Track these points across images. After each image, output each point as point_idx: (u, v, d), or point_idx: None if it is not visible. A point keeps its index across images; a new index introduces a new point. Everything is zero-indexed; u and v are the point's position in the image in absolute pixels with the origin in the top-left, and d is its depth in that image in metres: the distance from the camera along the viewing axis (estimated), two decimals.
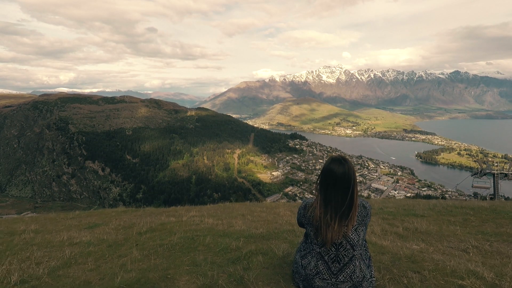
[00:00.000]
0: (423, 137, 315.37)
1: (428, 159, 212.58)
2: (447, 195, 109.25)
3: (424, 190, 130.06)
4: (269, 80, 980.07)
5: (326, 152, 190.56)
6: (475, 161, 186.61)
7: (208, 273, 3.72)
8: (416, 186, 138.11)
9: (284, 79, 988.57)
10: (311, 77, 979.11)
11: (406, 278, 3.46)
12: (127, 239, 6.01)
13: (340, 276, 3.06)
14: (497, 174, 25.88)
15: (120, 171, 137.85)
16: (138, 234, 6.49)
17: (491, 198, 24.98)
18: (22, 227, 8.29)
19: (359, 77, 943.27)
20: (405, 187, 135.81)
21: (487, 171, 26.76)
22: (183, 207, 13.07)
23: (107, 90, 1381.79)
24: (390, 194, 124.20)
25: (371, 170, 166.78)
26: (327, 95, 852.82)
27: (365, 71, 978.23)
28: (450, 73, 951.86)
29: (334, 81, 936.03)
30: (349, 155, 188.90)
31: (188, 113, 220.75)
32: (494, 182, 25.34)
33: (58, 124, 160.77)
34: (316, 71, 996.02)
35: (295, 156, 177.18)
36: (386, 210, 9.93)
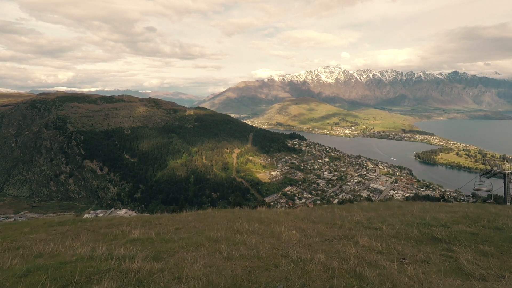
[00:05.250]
0: (422, 137, 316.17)
1: (427, 159, 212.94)
2: (446, 196, 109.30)
3: (423, 190, 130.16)
4: (268, 80, 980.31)
5: (325, 152, 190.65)
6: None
7: None
8: (415, 186, 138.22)
9: (283, 79, 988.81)
10: (310, 77, 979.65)
11: None
12: None
13: None
14: (508, 174, 24.26)
15: (118, 171, 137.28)
16: None
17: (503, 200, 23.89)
18: None
19: (358, 77, 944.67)
20: (403, 187, 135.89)
21: (498, 171, 25.51)
22: (137, 216, 10.95)
23: (106, 89, 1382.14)
24: (389, 194, 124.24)
25: (370, 170, 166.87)
26: (326, 95, 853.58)
27: (364, 71, 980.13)
28: (448, 74, 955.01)
29: (333, 81, 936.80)
30: (348, 155, 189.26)
31: (187, 113, 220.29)
32: (505, 183, 24.05)
33: (56, 123, 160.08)
34: (315, 71, 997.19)
35: (294, 156, 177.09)
36: (462, 230, 7.09)
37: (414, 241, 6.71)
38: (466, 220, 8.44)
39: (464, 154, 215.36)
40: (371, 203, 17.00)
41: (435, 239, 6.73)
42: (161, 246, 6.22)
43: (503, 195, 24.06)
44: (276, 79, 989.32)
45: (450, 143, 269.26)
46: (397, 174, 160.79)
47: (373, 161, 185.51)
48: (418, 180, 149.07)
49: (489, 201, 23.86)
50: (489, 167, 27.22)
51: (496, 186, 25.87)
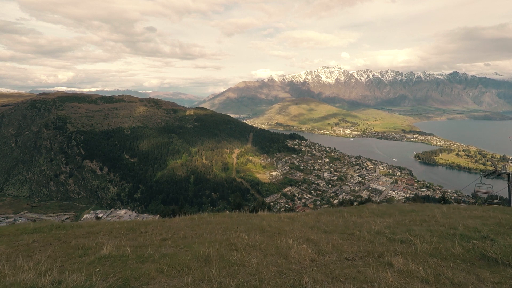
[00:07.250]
0: (422, 137, 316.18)
1: (427, 159, 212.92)
2: (446, 196, 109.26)
3: (423, 191, 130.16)
4: (268, 80, 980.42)
5: (325, 152, 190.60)
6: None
7: None
8: (415, 187, 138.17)
9: (283, 79, 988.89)
10: (310, 77, 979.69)
11: None
12: None
13: None
14: None
15: (118, 171, 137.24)
16: None
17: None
18: None
19: (358, 78, 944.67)
20: (403, 188, 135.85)
21: (502, 171, 24.96)
22: (122, 223, 10.04)
23: (106, 89, 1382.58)
24: (389, 194, 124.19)
25: (370, 170, 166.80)
26: (326, 95, 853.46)
27: (364, 72, 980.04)
28: (448, 74, 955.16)
29: (333, 81, 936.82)
30: (348, 156, 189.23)
31: (187, 113, 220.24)
32: (509, 184, 23.48)
33: (56, 123, 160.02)
34: (315, 71, 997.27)
35: (294, 156, 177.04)
36: None
37: (461, 262, 5.10)
38: (505, 229, 7.10)
39: (464, 155, 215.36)
40: (380, 206, 15.70)
41: (488, 259, 5.09)
42: (135, 268, 4.91)
43: (508, 197, 23.78)
44: (276, 79, 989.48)
45: (450, 144, 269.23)
46: (397, 174, 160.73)
47: (373, 161, 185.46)
48: (418, 181, 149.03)
49: (494, 200, 23.57)
50: (492, 168, 26.80)
51: (496, 189, 25.65)
